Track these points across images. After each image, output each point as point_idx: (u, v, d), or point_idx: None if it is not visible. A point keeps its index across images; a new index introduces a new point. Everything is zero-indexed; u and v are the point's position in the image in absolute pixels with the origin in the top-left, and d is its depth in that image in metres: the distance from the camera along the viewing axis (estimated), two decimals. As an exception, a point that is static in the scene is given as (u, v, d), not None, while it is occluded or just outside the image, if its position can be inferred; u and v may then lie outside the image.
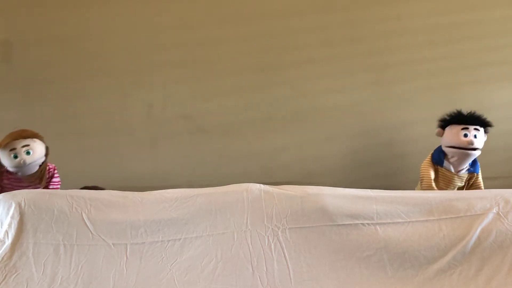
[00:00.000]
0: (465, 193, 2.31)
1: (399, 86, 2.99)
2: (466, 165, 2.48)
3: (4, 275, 1.94)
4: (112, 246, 2.04)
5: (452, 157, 2.46)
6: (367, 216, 2.06)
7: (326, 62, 2.97)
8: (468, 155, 2.41)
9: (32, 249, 2.01)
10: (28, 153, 2.27)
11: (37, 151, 2.31)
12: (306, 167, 3.00)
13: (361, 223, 2.05)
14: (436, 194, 2.17)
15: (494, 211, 2.06)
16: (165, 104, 2.97)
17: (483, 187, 2.51)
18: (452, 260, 1.97)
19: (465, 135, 2.39)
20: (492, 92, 2.98)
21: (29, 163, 2.28)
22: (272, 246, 2.03)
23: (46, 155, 2.38)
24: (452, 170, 2.47)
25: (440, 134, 2.50)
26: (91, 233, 2.06)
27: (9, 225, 2.04)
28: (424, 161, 2.53)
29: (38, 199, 2.10)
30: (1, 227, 2.05)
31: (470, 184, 2.53)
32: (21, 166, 2.27)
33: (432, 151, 2.54)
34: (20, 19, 2.92)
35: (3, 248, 2.00)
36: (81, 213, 2.08)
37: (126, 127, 2.97)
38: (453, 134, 2.42)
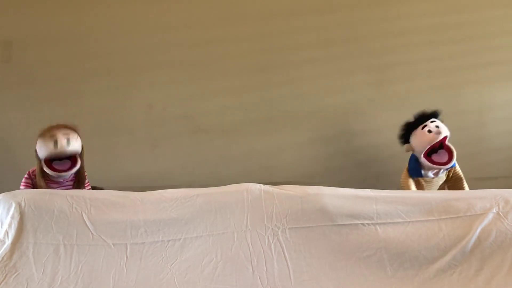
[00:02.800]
0: (465, 193, 2.31)
1: (399, 86, 2.99)
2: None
3: (4, 275, 1.94)
4: (112, 246, 2.04)
5: (428, 169, 2.45)
6: (367, 216, 2.06)
7: (326, 62, 2.97)
8: (446, 168, 2.42)
9: (32, 249, 2.01)
10: (68, 141, 2.27)
11: (75, 143, 2.31)
12: (306, 167, 3.00)
13: (361, 223, 2.05)
14: (436, 194, 2.17)
15: (494, 211, 2.06)
16: (165, 104, 2.97)
17: (461, 174, 2.52)
18: (452, 260, 1.97)
19: (429, 131, 2.38)
20: (492, 92, 2.98)
21: (68, 149, 2.26)
22: (272, 246, 2.02)
23: (82, 155, 2.38)
24: (432, 175, 2.48)
25: (411, 149, 2.48)
26: (91, 233, 2.06)
27: (9, 225, 2.04)
28: (402, 177, 2.53)
29: (38, 199, 2.10)
30: (1, 227, 2.05)
31: (451, 177, 2.53)
32: (60, 152, 2.25)
33: (407, 165, 2.52)
34: (20, 19, 2.92)
35: (3, 248, 2.00)
36: (81, 213, 2.08)
37: (126, 127, 2.97)
38: (419, 138, 2.42)
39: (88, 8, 2.93)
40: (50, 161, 2.30)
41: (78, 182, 2.40)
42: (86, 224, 2.07)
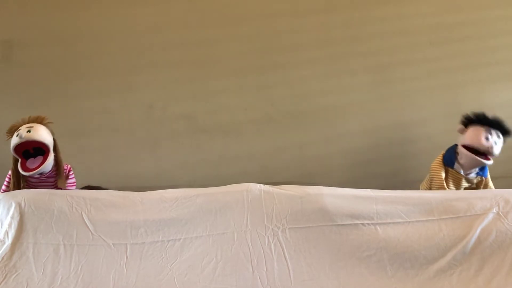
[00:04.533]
0: (465, 193, 2.31)
1: (399, 86, 2.98)
2: (476, 169, 2.46)
3: (4, 275, 1.94)
4: (112, 246, 2.04)
5: (462, 158, 2.43)
6: (367, 216, 2.06)
7: (326, 62, 2.97)
8: (480, 164, 2.40)
9: (32, 249, 2.01)
10: (29, 131, 2.19)
11: (39, 131, 2.22)
12: (306, 167, 3.00)
13: (361, 223, 2.05)
14: (436, 194, 2.17)
15: (494, 211, 2.06)
16: (165, 104, 2.97)
17: (493, 187, 2.50)
18: (452, 260, 1.97)
19: (487, 139, 2.35)
20: (492, 92, 2.98)
21: (27, 139, 2.18)
22: (272, 246, 2.02)
23: (56, 148, 2.32)
24: (462, 172, 2.45)
25: (462, 132, 2.45)
26: (91, 233, 2.06)
27: (9, 225, 2.04)
28: (435, 161, 2.50)
29: (38, 199, 2.10)
30: (1, 227, 2.05)
31: (481, 187, 2.50)
32: (20, 139, 2.17)
33: (444, 151, 2.51)
34: (20, 19, 2.92)
35: (3, 248, 2.00)
36: (81, 213, 2.08)
37: (126, 127, 2.96)
38: (475, 134, 2.38)
39: (88, 8, 2.93)
40: (25, 159, 2.25)
41: (57, 175, 2.34)
42: (86, 224, 2.07)
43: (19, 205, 2.07)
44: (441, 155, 2.51)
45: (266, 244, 2.03)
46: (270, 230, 2.06)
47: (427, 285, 1.94)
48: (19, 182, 2.29)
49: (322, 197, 2.10)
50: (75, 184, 2.43)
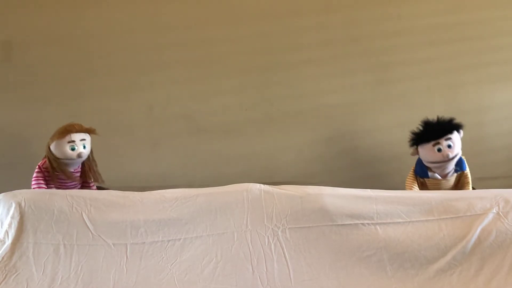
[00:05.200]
0: (465, 193, 2.31)
1: (399, 86, 2.98)
2: (451, 168, 2.44)
3: (4, 275, 1.94)
4: (112, 246, 2.04)
5: (434, 168, 2.43)
6: (367, 216, 2.06)
7: (326, 62, 2.97)
8: (449, 163, 2.39)
9: (32, 249, 2.01)
10: (84, 147, 2.36)
11: (88, 146, 2.40)
12: (306, 167, 3.00)
13: (361, 223, 2.05)
14: (436, 194, 2.17)
15: (494, 211, 2.06)
16: (165, 104, 2.97)
17: (470, 181, 2.48)
18: (452, 260, 1.97)
19: (439, 150, 2.34)
20: (492, 92, 2.98)
21: (83, 157, 2.36)
22: (272, 246, 2.02)
23: (91, 151, 2.46)
24: (439, 177, 2.45)
25: (415, 154, 2.46)
26: (91, 233, 2.06)
27: (9, 225, 2.05)
28: (408, 177, 2.51)
29: (38, 199, 2.10)
30: (1, 227, 2.05)
31: (460, 181, 2.49)
32: (75, 158, 2.34)
33: (414, 166, 2.51)
34: (20, 19, 2.92)
35: (3, 248, 2.00)
36: (81, 213, 2.08)
37: (126, 127, 2.97)
38: (426, 151, 2.38)
39: (88, 8, 2.93)
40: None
41: (87, 176, 2.48)
42: (86, 224, 2.07)
43: (19, 205, 2.07)
44: (412, 170, 2.51)
45: (266, 244, 2.03)
46: (270, 230, 2.06)
47: (427, 285, 1.94)
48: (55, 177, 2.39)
49: (322, 197, 2.10)
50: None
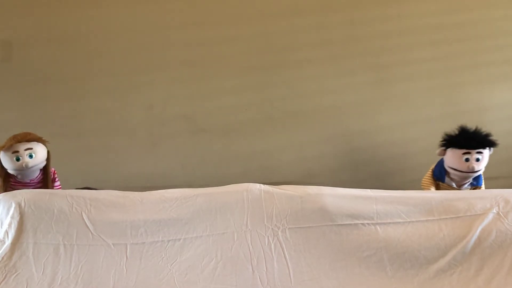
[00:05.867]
0: (465, 193, 2.31)
1: (399, 86, 2.99)
2: (469, 181, 2.44)
3: (4, 275, 1.94)
4: (112, 246, 2.04)
5: (451, 174, 2.42)
6: (367, 216, 2.06)
7: (326, 62, 2.97)
8: (469, 177, 2.38)
9: (32, 249, 2.01)
10: (30, 156, 2.28)
11: (39, 155, 2.32)
12: (306, 167, 3.00)
13: (361, 223, 2.05)
14: (436, 194, 2.17)
15: (494, 211, 2.06)
16: (165, 104, 2.97)
17: None
18: (452, 260, 1.97)
19: (467, 160, 2.33)
20: (492, 92, 2.98)
21: (31, 167, 2.29)
22: (272, 246, 2.02)
23: (48, 159, 2.39)
24: (454, 185, 2.44)
25: (442, 154, 2.43)
26: (91, 233, 2.06)
27: (9, 225, 2.04)
28: (425, 176, 2.50)
29: (38, 199, 2.10)
30: (1, 227, 2.05)
31: None
32: (23, 169, 2.28)
33: (433, 166, 2.50)
34: (20, 19, 2.92)
35: (3, 248, 2.00)
36: (81, 213, 2.08)
37: (126, 127, 2.97)
38: (454, 157, 2.36)
39: (88, 8, 2.93)
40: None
41: (45, 184, 2.41)
42: (86, 224, 2.07)
43: (19, 205, 2.07)
44: (431, 170, 2.49)
45: (266, 244, 2.03)
46: (270, 230, 2.06)
47: (427, 285, 1.94)
48: (5, 185, 2.34)
49: (322, 197, 2.10)
50: (60, 187, 2.48)
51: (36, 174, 2.37)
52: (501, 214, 2.05)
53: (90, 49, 2.94)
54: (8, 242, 2.02)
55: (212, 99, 2.97)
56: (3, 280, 1.92)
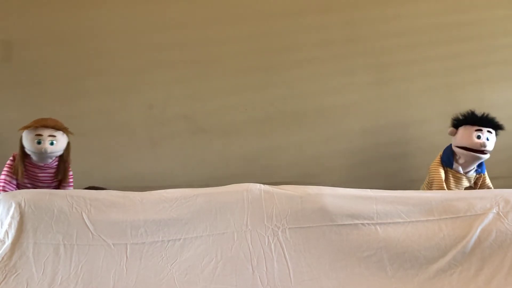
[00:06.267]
0: (465, 193, 2.31)
1: (399, 86, 2.98)
2: (474, 166, 2.48)
3: (4, 275, 1.94)
4: (112, 246, 2.04)
5: (460, 158, 2.45)
6: (367, 216, 2.06)
7: (326, 62, 2.97)
8: (477, 158, 2.41)
9: (32, 249, 2.01)
10: (51, 143, 2.30)
11: (60, 144, 2.34)
12: (306, 167, 3.00)
13: (361, 223, 2.06)
14: (436, 194, 2.17)
15: (494, 211, 2.06)
16: (165, 104, 2.97)
17: (491, 186, 2.52)
18: (452, 260, 1.98)
19: (478, 137, 2.38)
20: (493, 92, 2.98)
21: (49, 153, 2.30)
22: (272, 246, 2.03)
23: (67, 149, 2.41)
24: (461, 171, 2.46)
25: (453, 134, 2.48)
26: (91, 233, 2.06)
27: (9, 225, 2.05)
28: (433, 163, 2.51)
29: (38, 199, 2.10)
30: (1, 227, 2.05)
31: (479, 185, 2.52)
32: (41, 153, 2.29)
33: (441, 152, 2.52)
34: (20, 19, 2.92)
35: (3, 248, 2.00)
36: (81, 213, 2.08)
37: (126, 127, 2.96)
38: (466, 134, 2.41)
39: (88, 8, 2.93)
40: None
41: (59, 175, 2.41)
42: (86, 224, 2.07)
43: (19, 205, 2.07)
44: (439, 157, 2.51)
45: (266, 244, 2.03)
46: (270, 230, 2.06)
47: (427, 285, 1.94)
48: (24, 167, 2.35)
49: (322, 197, 2.10)
50: (72, 177, 2.47)
51: (51, 160, 2.38)
52: (501, 214, 2.05)
53: (90, 49, 2.94)
54: (8, 242, 2.02)
55: (212, 99, 2.97)
56: (3, 280, 1.92)
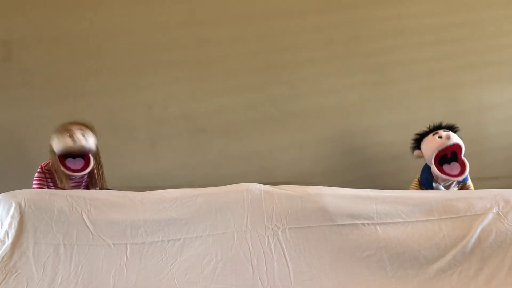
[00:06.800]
0: (465, 193, 2.31)
1: (399, 86, 2.99)
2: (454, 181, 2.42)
3: (4, 275, 1.94)
4: (112, 246, 2.04)
5: (438, 179, 2.39)
6: (367, 216, 2.06)
7: (326, 62, 2.97)
8: (456, 180, 2.37)
9: (32, 249, 2.01)
10: (84, 136, 2.32)
11: (90, 139, 2.35)
12: (306, 167, 3.00)
13: (361, 223, 2.05)
14: (436, 194, 2.17)
15: (494, 211, 2.06)
16: (165, 104, 2.97)
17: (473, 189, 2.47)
18: (452, 260, 1.97)
19: (440, 137, 2.35)
20: (492, 92, 2.98)
21: (83, 144, 2.29)
22: (272, 246, 2.03)
23: (97, 153, 2.43)
24: (442, 188, 2.42)
25: (420, 154, 2.45)
26: (91, 233, 2.06)
27: (9, 225, 2.04)
28: (411, 185, 2.50)
29: (38, 199, 2.10)
30: (1, 227, 2.05)
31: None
32: (73, 145, 2.27)
33: (418, 175, 2.49)
34: (20, 19, 2.92)
35: (3, 248, 2.00)
36: (81, 213, 2.08)
37: (126, 127, 2.97)
38: (429, 144, 2.39)
39: (88, 8, 2.93)
40: (64, 157, 2.32)
41: (90, 183, 2.44)
42: (86, 224, 2.07)
43: (19, 205, 2.07)
44: (417, 180, 2.49)
45: (266, 244, 2.03)
46: (270, 230, 2.06)
47: (427, 285, 1.94)
48: (63, 179, 2.34)
49: (322, 197, 2.10)
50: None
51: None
52: (501, 214, 2.05)
53: (90, 49, 2.94)
54: (8, 242, 2.02)
55: (212, 99, 2.97)
56: (3, 280, 1.92)
